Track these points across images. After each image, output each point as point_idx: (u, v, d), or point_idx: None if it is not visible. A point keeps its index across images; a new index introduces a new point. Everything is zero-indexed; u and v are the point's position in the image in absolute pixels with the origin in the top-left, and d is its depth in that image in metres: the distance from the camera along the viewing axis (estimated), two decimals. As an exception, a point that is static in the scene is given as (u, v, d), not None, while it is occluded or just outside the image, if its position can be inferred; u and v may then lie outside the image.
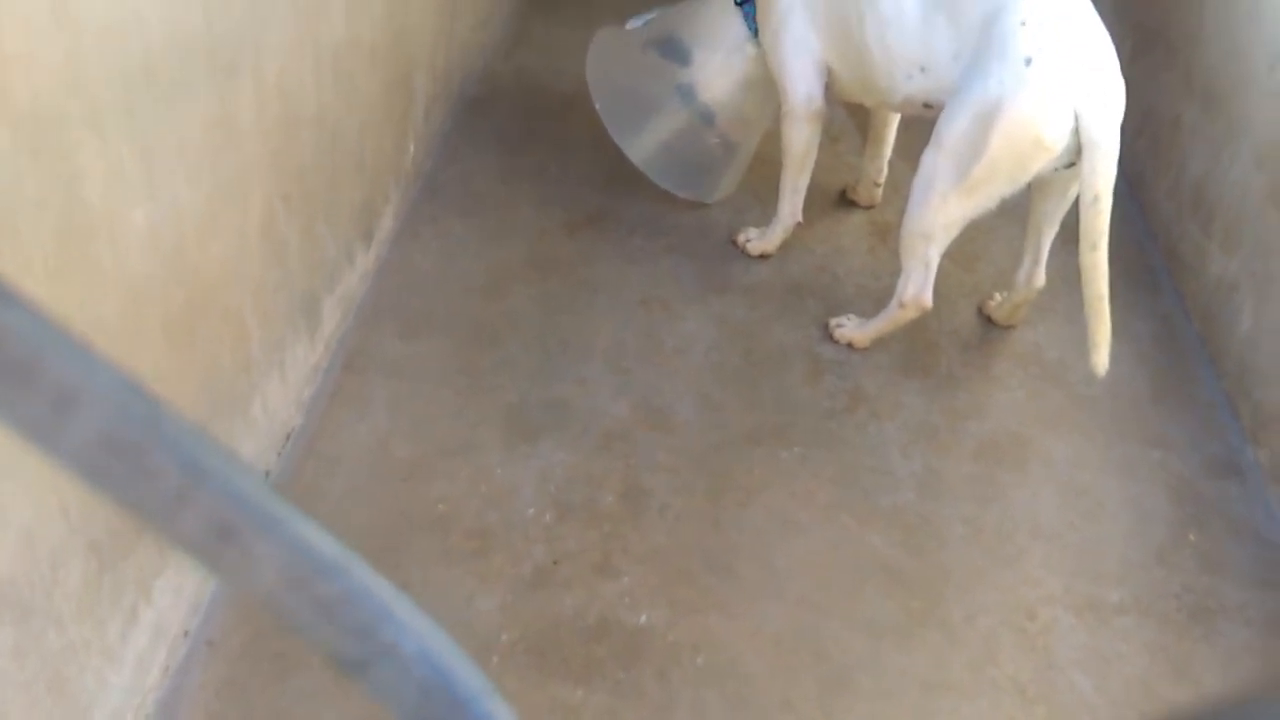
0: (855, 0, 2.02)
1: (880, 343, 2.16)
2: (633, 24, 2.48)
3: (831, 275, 2.38)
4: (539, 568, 1.66)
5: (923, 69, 1.95)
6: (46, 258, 1.12)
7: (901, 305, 2.07)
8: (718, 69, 2.41)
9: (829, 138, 2.74)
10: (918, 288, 2.03)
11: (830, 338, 2.18)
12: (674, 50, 2.44)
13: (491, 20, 3.07)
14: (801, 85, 2.20)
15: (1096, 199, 1.82)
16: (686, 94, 2.46)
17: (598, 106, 2.45)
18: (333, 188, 1.96)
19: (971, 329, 2.26)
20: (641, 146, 2.51)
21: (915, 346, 2.19)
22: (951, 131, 1.85)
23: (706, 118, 2.48)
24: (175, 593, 1.45)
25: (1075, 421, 2.04)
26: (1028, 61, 1.76)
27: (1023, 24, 1.78)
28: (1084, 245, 1.86)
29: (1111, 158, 1.81)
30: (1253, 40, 2.26)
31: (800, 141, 2.25)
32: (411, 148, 2.43)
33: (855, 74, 2.12)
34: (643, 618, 1.60)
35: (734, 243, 2.41)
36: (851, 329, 2.17)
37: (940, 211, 1.92)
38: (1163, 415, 2.07)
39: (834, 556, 1.73)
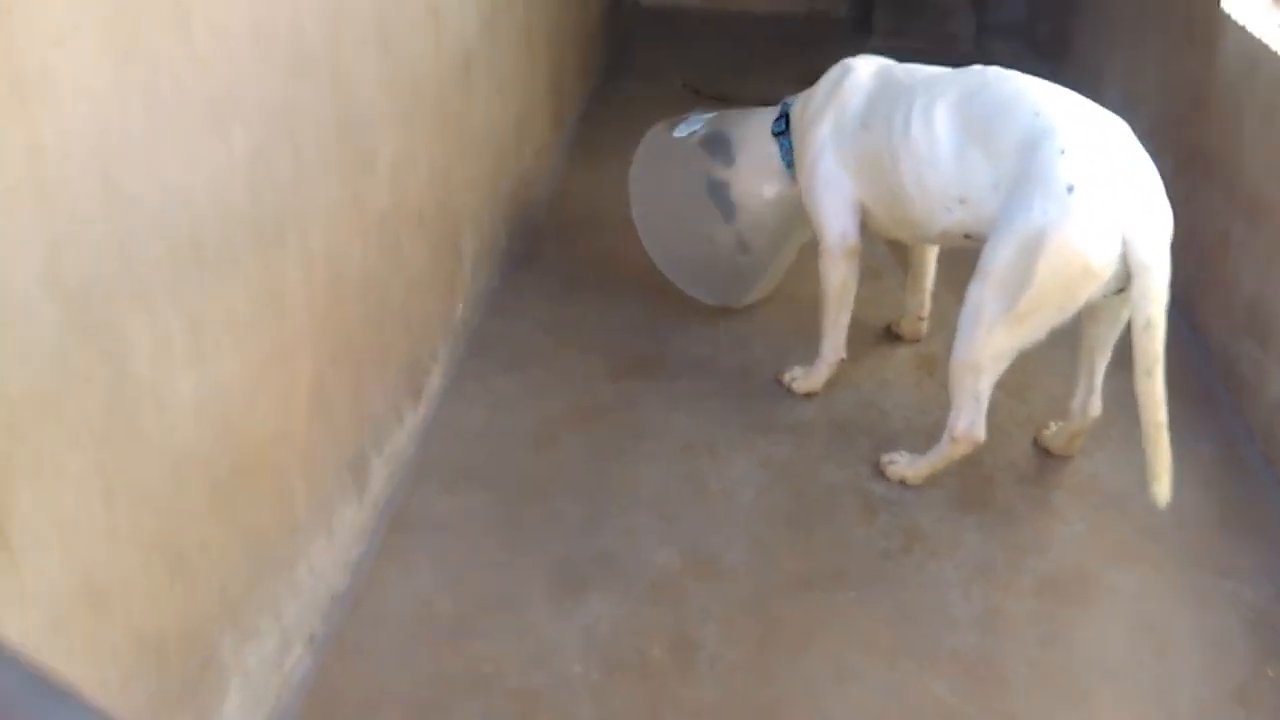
0: (889, 141, 2.06)
1: (934, 478, 2.12)
2: (681, 130, 2.57)
3: (879, 411, 2.36)
4: (587, 728, 1.61)
5: (961, 201, 1.96)
6: (93, 428, 1.15)
7: (954, 440, 2.03)
8: (754, 178, 2.49)
9: (871, 273, 2.76)
10: (969, 422, 2.00)
11: (882, 475, 2.15)
12: (719, 147, 2.53)
13: (536, 178, 3.17)
14: (836, 224, 2.23)
15: (1149, 323, 1.79)
16: (721, 195, 2.55)
17: (634, 212, 2.56)
18: (381, 349, 2.01)
19: (1028, 461, 2.21)
20: (669, 250, 2.61)
21: (970, 481, 2.14)
22: (997, 262, 1.85)
23: (735, 221, 2.57)
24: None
25: (1140, 552, 1.97)
26: (1070, 189, 1.77)
27: (1062, 152, 1.79)
28: (1139, 371, 1.82)
29: (1163, 280, 1.79)
30: (1292, 154, 2.25)
31: (837, 279, 2.27)
32: (459, 307, 2.49)
33: (891, 211, 2.14)
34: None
35: (779, 381, 2.41)
36: (903, 465, 2.13)
37: (989, 343, 1.90)
38: (1232, 542, 1.99)
39: (893, 704, 1.66)
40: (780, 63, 4.37)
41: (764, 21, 5.16)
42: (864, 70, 2.24)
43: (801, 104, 2.37)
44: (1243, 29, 2.52)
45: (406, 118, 2.06)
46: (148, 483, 1.26)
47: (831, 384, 2.39)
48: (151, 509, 1.27)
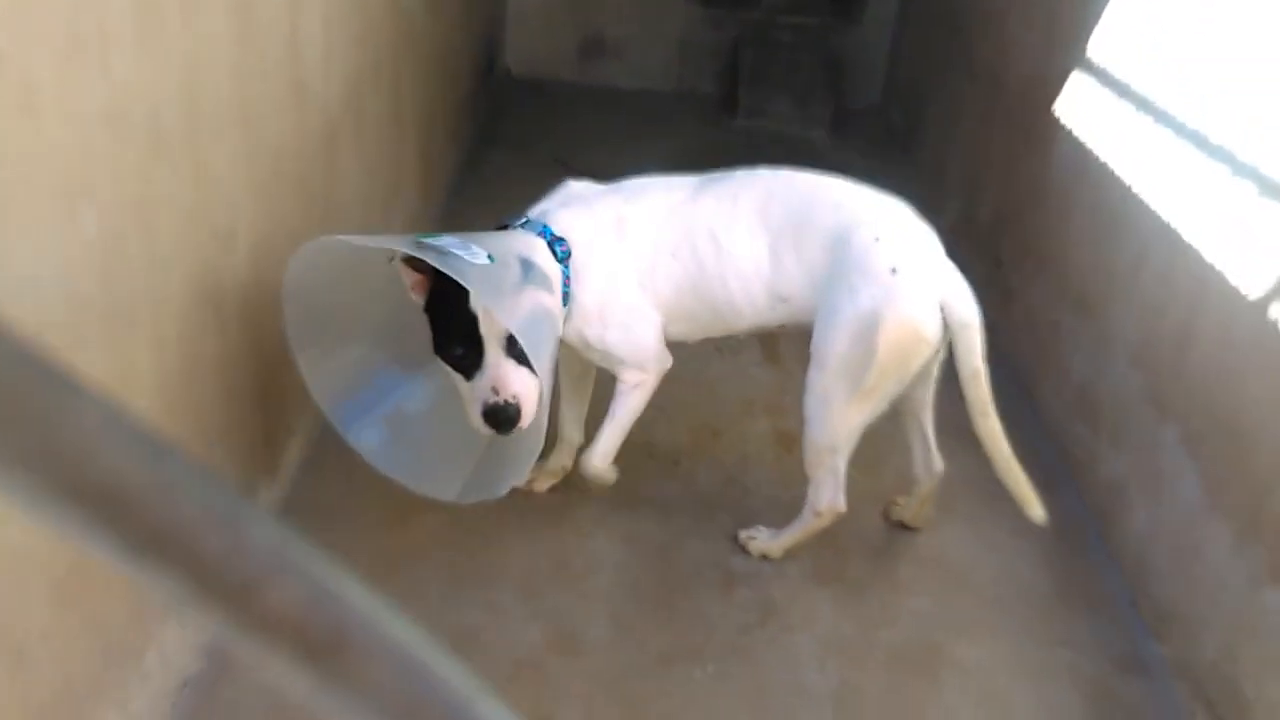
0: (714, 262, 2.03)
1: (790, 552, 2.18)
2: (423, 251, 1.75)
3: (741, 487, 2.42)
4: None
5: (784, 300, 2.04)
6: (-78, 526, 1.10)
7: (817, 514, 2.11)
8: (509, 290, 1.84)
9: (730, 349, 2.84)
10: (831, 496, 2.08)
11: (743, 550, 2.20)
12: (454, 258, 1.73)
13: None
14: (654, 350, 2.10)
15: (975, 372, 1.95)
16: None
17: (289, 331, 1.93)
18: (237, 426, 1.97)
19: (879, 534, 2.30)
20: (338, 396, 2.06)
21: (824, 554, 2.21)
22: (834, 351, 1.94)
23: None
24: None
25: (984, 625, 2.06)
26: (893, 271, 1.89)
27: (877, 239, 1.92)
28: (976, 415, 1.97)
29: (979, 332, 1.95)
30: (1116, 246, 2.43)
31: (645, 400, 2.16)
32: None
33: (704, 324, 2.11)
34: None
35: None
36: (764, 540, 2.19)
37: (843, 423, 1.99)
38: (1070, 614, 2.10)
39: (751, 784, 1.69)
40: (649, 137, 4.49)
41: (634, 96, 5.29)
42: (617, 199, 2.08)
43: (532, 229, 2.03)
44: (1071, 134, 2.71)
45: (267, 193, 2.04)
46: (-18, 577, 1.21)
47: (695, 458, 2.44)
48: (-15, 604, 1.21)
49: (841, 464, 2.05)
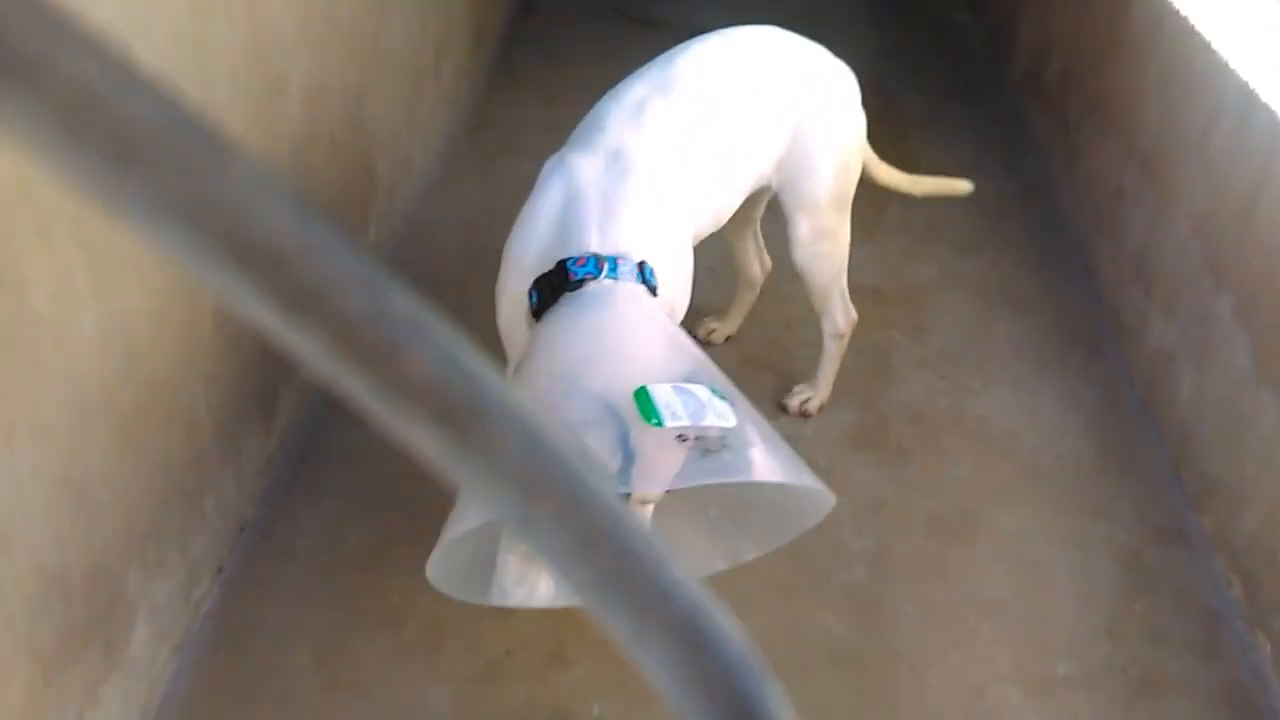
0: (728, 159, 1.82)
1: (831, 415, 2.20)
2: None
3: (784, 351, 2.42)
4: (491, 660, 1.66)
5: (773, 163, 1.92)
6: (-9, 369, 1.14)
7: (840, 336, 2.18)
8: None
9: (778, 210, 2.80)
10: (844, 311, 2.17)
11: (784, 410, 2.22)
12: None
13: (456, 99, 3.12)
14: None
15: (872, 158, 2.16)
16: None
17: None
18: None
19: (920, 401, 2.30)
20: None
21: (866, 419, 2.22)
22: (822, 184, 1.95)
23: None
24: (123, 697, 1.45)
25: (1024, 494, 2.08)
26: (853, 90, 1.99)
27: (819, 76, 1.96)
28: (881, 178, 2.21)
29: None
30: (1186, 109, 2.34)
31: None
32: (371, 233, 2.46)
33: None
34: (596, 709, 1.60)
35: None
36: (803, 392, 2.22)
37: (845, 245, 2.07)
38: (1109, 485, 2.11)
39: (787, 638, 1.75)
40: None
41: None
42: (636, 173, 1.61)
43: None
44: (1150, -16, 2.58)
45: (320, 40, 2.01)
46: (47, 419, 1.25)
47: (742, 323, 2.44)
48: (52, 445, 1.26)
49: (844, 279, 2.13)
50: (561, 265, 1.45)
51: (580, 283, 1.43)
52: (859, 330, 2.21)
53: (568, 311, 1.41)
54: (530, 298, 1.48)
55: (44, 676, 1.27)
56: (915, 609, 1.81)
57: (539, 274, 1.47)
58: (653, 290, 1.49)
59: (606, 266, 1.44)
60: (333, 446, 2.03)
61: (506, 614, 1.72)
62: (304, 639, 1.67)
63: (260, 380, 1.88)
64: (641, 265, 1.48)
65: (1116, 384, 2.39)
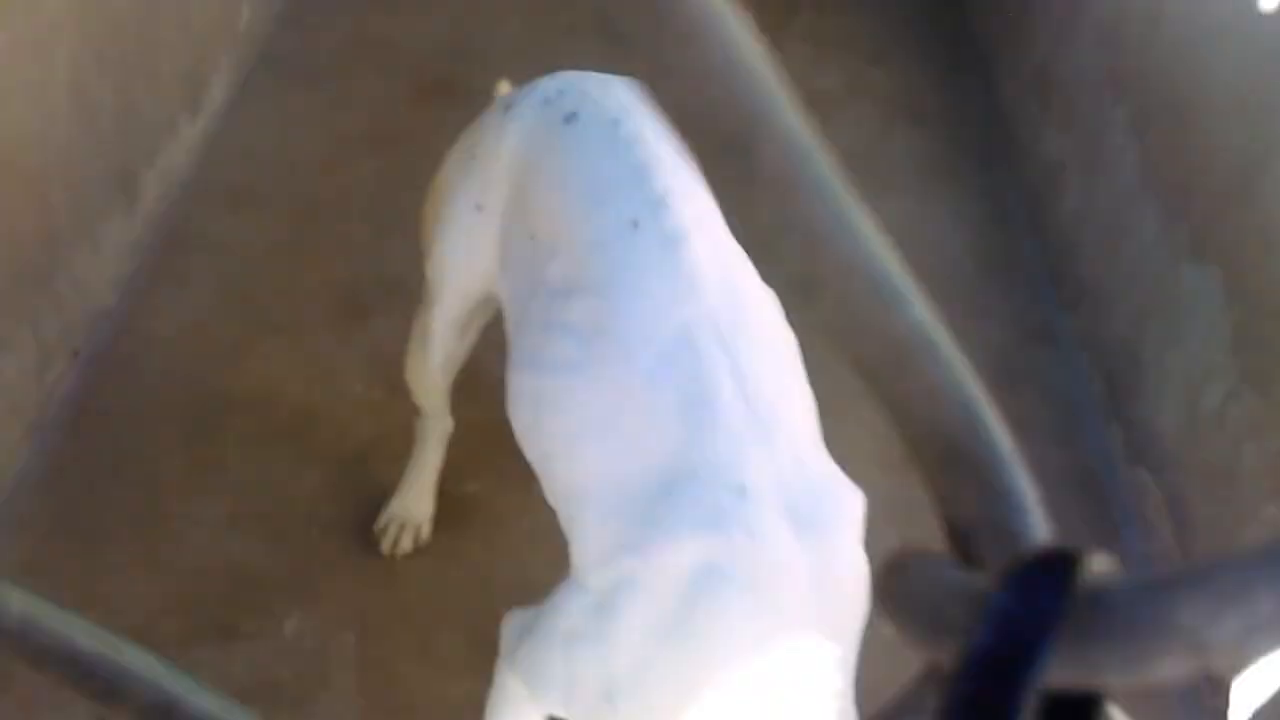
0: None
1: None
2: None
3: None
4: (364, 444, 1.65)
5: None
6: None
7: None
8: None
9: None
10: None
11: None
12: None
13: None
14: None
15: None
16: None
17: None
18: (152, 50, 1.86)
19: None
20: None
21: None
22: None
23: None
24: (-28, 471, 1.41)
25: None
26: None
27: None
28: None
29: None
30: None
31: None
32: (245, 11, 2.31)
33: None
34: (470, 487, 1.61)
35: None
36: None
37: None
38: (989, 290, 2.14)
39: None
40: None
41: None
42: None
43: None
44: None
45: None
46: None
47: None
48: None
49: None
50: None
51: None
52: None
53: None
54: None
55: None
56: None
57: None
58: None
59: None
60: (201, 236, 1.95)
61: (382, 401, 1.70)
62: (168, 424, 1.63)
63: (120, 159, 1.78)
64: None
65: (1005, 195, 2.40)
